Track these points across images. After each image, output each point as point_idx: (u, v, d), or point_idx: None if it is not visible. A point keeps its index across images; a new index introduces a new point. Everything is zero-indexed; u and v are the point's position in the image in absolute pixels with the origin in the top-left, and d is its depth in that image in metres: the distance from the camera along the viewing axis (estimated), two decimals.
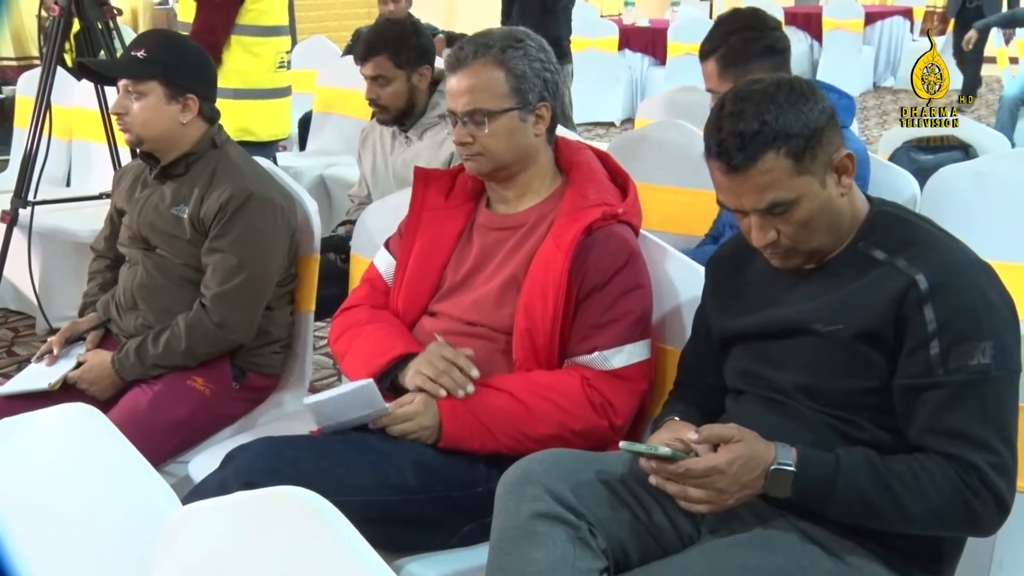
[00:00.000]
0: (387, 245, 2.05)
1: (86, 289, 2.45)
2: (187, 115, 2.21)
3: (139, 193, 2.31)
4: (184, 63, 2.23)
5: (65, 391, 2.18)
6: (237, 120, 3.36)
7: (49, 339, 2.33)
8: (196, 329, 2.16)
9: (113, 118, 3.48)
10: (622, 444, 1.45)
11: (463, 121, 1.80)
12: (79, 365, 2.22)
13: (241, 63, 3.37)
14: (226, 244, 2.16)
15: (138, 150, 2.27)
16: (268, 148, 3.54)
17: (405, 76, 2.81)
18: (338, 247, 2.81)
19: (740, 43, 2.41)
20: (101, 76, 2.41)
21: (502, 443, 1.68)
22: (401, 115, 2.87)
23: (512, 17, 5.41)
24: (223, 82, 3.27)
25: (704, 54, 2.49)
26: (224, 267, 2.16)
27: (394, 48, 2.77)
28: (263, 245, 2.20)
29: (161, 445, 2.09)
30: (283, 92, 3.51)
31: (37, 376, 2.24)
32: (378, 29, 2.80)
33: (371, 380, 1.73)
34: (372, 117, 3.06)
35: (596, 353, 1.75)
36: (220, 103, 3.25)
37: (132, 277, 2.28)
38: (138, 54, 2.18)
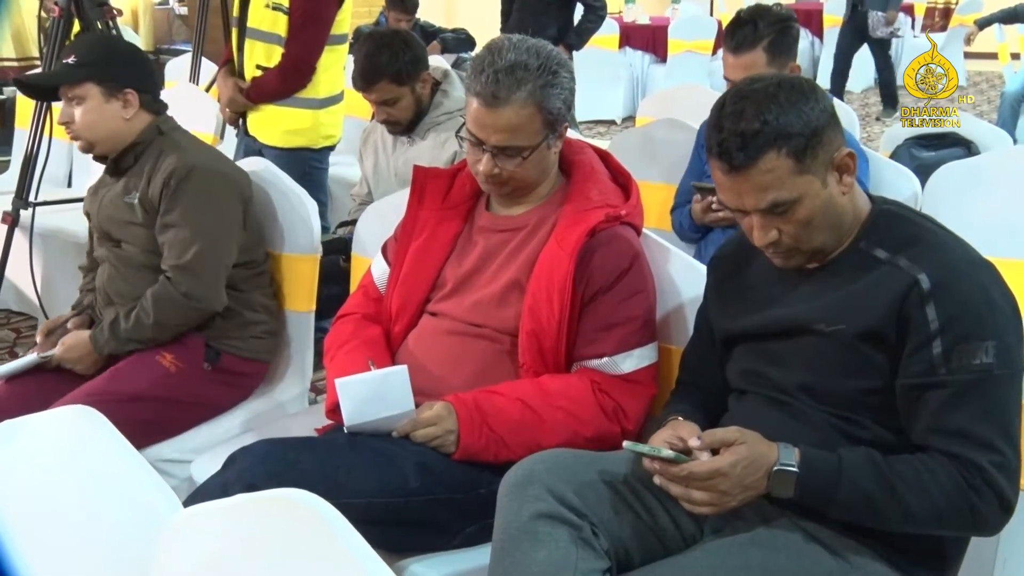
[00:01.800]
0: (384, 251, 2.05)
1: (76, 300, 2.49)
2: (129, 110, 2.25)
3: (99, 193, 2.37)
4: (115, 60, 2.27)
5: (56, 371, 2.24)
6: (321, 128, 3.42)
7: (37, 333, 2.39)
8: (162, 301, 2.18)
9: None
10: (626, 444, 1.45)
11: (493, 153, 1.78)
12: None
13: (328, 72, 3.41)
14: (176, 218, 2.19)
15: (92, 155, 2.32)
16: (332, 150, 3.60)
17: (409, 90, 2.85)
18: (341, 249, 2.82)
19: (788, 31, 2.59)
20: (42, 90, 2.45)
21: (516, 453, 1.66)
22: (413, 123, 2.91)
23: (512, 16, 5.39)
24: (312, 92, 3.36)
25: (745, 45, 2.57)
26: (178, 240, 2.19)
27: (391, 71, 2.81)
28: (212, 213, 2.22)
29: (119, 420, 2.08)
30: (344, 95, 3.57)
31: (20, 359, 2.30)
32: (369, 55, 2.82)
33: (405, 366, 1.74)
34: (373, 117, 3.06)
35: (606, 358, 1.75)
36: (304, 113, 3.36)
37: (103, 275, 2.33)
38: (69, 60, 2.23)
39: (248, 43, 3.40)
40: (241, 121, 3.52)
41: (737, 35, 2.59)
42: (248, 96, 3.40)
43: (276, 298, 2.41)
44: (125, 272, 2.28)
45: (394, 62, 2.80)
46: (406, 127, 2.91)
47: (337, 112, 3.50)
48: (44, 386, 2.21)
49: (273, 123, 3.42)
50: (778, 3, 2.89)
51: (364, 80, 2.84)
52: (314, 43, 3.34)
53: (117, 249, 2.30)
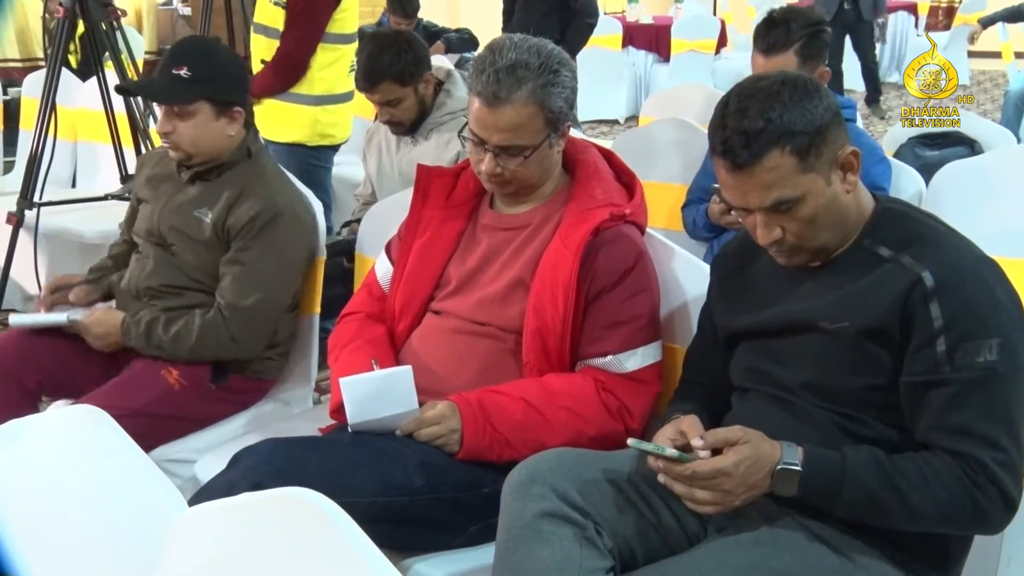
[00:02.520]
0: (387, 250, 2.05)
1: (98, 262, 2.47)
2: (234, 127, 2.22)
3: (164, 188, 2.31)
4: (228, 76, 2.22)
5: (71, 337, 2.24)
6: (318, 126, 3.45)
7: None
8: (209, 334, 2.16)
9: (124, 124, 3.54)
10: (630, 441, 1.45)
11: (495, 152, 1.78)
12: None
13: (326, 70, 3.44)
14: (250, 258, 2.16)
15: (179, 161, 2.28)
16: (336, 149, 3.62)
17: (412, 91, 2.85)
18: (345, 251, 2.82)
19: (820, 34, 2.57)
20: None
21: (520, 453, 1.66)
22: (416, 123, 2.92)
23: (514, 16, 5.39)
24: (307, 89, 3.40)
25: (777, 47, 2.56)
26: (245, 281, 2.16)
27: (394, 72, 2.81)
28: (285, 264, 2.21)
29: None
30: (352, 95, 3.59)
31: (49, 314, 2.29)
32: (372, 56, 2.83)
33: (409, 367, 1.74)
34: (376, 117, 3.07)
35: (610, 356, 1.75)
36: (298, 109, 3.40)
37: (141, 269, 2.29)
38: (181, 72, 2.14)
39: (254, 38, 3.47)
40: None
41: (769, 37, 2.57)
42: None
43: (297, 318, 2.39)
44: (169, 281, 2.24)
45: (396, 63, 2.81)
46: (409, 127, 2.92)
47: (338, 112, 3.51)
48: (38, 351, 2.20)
49: (272, 118, 3.46)
50: (794, 7, 2.87)
51: (367, 81, 2.85)
52: (304, 39, 3.36)
53: (166, 252, 2.26)
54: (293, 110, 3.42)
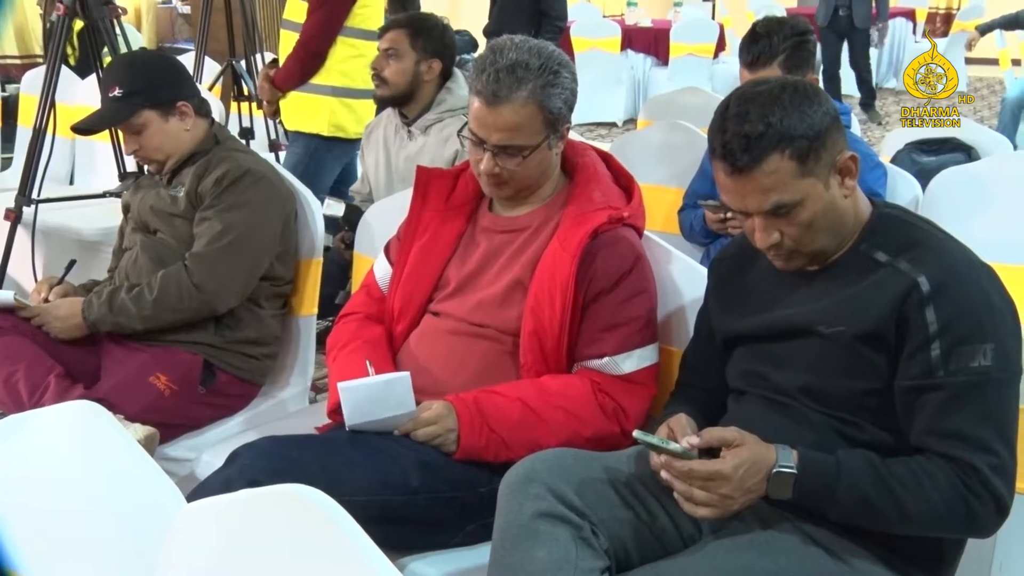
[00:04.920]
0: (386, 251, 2.06)
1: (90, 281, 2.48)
2: (188, 120, 2.29)
3: (144, 184, 2.41)
4: (157, 78, 2.28)
5: (16, 326, 2.22)
6: (332, 116, 3.53)
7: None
8: (170, 284, 2.18)
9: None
10: (635, 433, 1.45)
11: (494, 152, 1.79)
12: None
13: (345, 63, 3.50)
14: (214, 212, 2.22)
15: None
16: (354, 145, 3.66)
17: (414, 60, 2.87)
18: (348, 221, 2.80)
19: (804, 44, 2.57)
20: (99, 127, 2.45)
21: (516, 453, 1.66)
22: (399, 98, 2.92)
23: (491, 17, 5.40)
24: (324, 79, 3.48)
25: (760, 61, 2.56)
26: (210, 232, 2.21)
27: (415, 29, 2.86)
28: (251, 215, 2.23)
29: None
30: (371, 94, 3.63)
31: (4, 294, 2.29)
32: (415, 11, 2.90)
33: (407, 373, 1.74)
34: (377, 113, 3.08)
35: (607, 358, 1.76)
36: (317, 99, 3.49)
37: (129, 259, 2.35)
38: (115, 93, 2.23)
39: (283, 34, 3.58)
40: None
41: (752, 50, 2.58)
42: (273, 83, 3.55)
43: (283, 327, 2.41)
44: (154, 259, 2.28)
45: (422, 25, 2.85)
46: (392, 98, 2.92)
47: (355, 107, 3.56)
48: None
49: (291, 107, 3.57)
50: (784, 17, 2.86)
51: (390, 21, 2.90)
52: (320, 27, 3.44)
53: (152, 238, 2.32)
54: (311, 100, 3.50)
